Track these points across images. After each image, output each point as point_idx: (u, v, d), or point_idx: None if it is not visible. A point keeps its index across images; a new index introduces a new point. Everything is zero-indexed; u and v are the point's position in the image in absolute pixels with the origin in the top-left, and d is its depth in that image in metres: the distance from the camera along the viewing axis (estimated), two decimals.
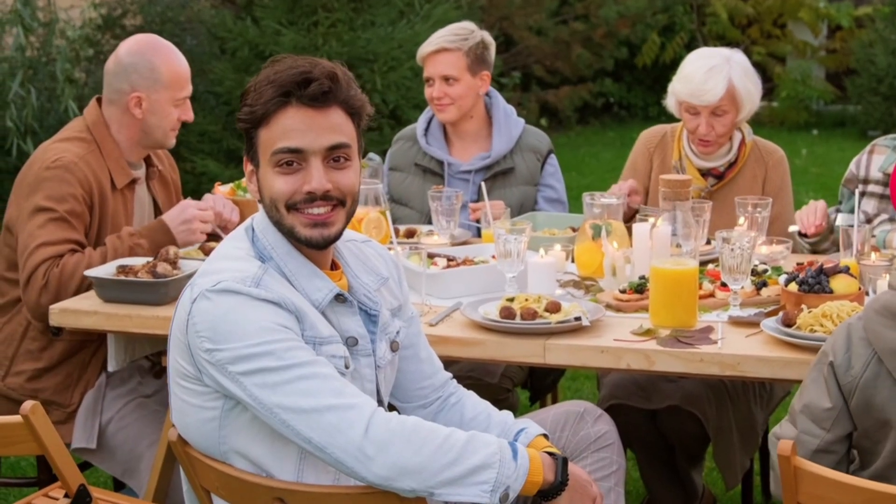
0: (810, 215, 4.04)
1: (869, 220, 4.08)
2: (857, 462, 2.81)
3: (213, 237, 4.02)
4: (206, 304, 2.49)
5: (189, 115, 3.99)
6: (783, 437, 2.72)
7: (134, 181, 3.98)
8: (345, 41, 9.62)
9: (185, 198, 4.10)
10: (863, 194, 4.12)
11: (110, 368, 3.72)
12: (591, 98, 14.17)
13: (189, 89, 3.98)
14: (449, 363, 3.81)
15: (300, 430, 2.43)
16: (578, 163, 11.85)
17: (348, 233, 2.75)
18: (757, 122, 13.57)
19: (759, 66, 13.89)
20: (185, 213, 3.85)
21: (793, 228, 4.10)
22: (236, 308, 2.47)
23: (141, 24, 10.23)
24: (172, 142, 4.02)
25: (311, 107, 2.53)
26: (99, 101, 3.98)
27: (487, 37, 4.61)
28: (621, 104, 14.94)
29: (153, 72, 3.87)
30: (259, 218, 2.65)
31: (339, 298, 2.63)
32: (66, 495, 2.80)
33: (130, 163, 3.96)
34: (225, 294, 2.48)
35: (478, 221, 4.37)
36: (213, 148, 9.38)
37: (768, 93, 14.30)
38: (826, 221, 4.04)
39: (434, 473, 2.42)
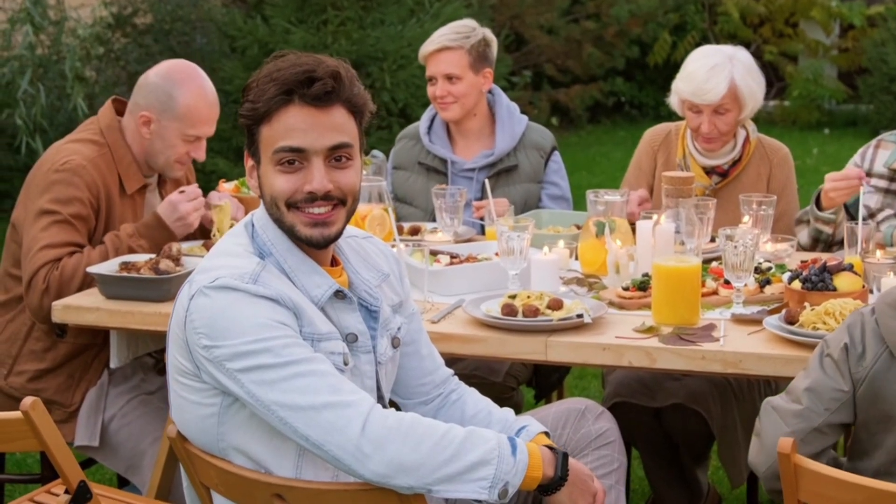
0: (847, 182, 3.99)
1: (872, 215, 4.07)
2: (849, 453, 2.80)
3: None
4: (203, 301, 2.49)
5: (200, 155, 3.95)
6: (784, 410, 2.70)
7: (145, 187, 3.97)
8: (354, 39, 9.63)
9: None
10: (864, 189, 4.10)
11: (112, 365, 3.72)
12: (603, 97, 14.15)
13: (206, 131, 3.92)
14: (453, 361, 3.82)
15: (297, 428, 2.42)
16: (589, 162, 11.83)
17: (349, 229, 2.74)
18: (769, 122, 13.58)
19: (771, 66, 13.91)
20: (177, 211, 3.83)
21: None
22: (234, 304, 2.47)
23: (151, 23, 10.24)
24: (176, 174, 3.99)
25: (313, 106, 2.52)
26: (115, 102, 3.97)
27: (489, 34, 4.59)
28: (632, 103, 14.90)
29: (170, 100, 3.84)
30: (259, 214, 2.65)
31: (339, 295, 2.62)
32: (66, 491, 2.79)
33: (142, 170, 3.95)
34: (222, 290, 2.48)
35: (482, 219, 4.36)
36: (223, 146, 9.40)
37: (780, 92, 14.28)
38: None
39: (432, 470, 2.41)
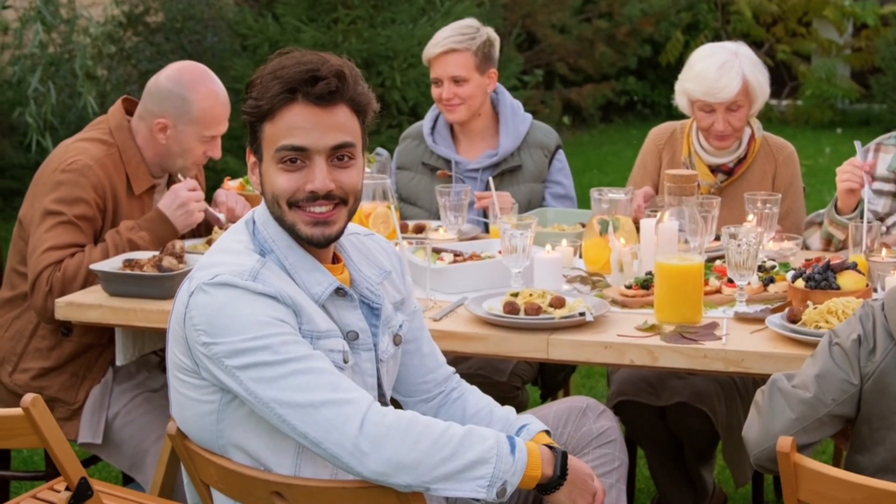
0: (852, 167, 3.96)
1: (881, 219, 4.04)
2: (849, 447, 2.79)
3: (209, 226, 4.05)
4: (203, 298, 2.49)
5: (216, 153, 3.97)
6: (791, 395, 2.68)
7: (153, 187, 3.98)
8: (364, 38, 9.65)
9: (209, 198, 4.09)
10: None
11: (118, 363, 3.72)
12: (615, 96, 14.12)
13: (221, 129, 3.94)
14: (457, 361, 3.82)
15: (296, 425, 2.42)
16: (601, 161, 11.81)
17: (351, 226, 2.75)
18: (781, 121, 13.55)
19: (784, 65, 13.88)
20: (178, 198, 3.85)
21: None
22: (233, 302, 2.47)
23: (163, 21, 10.26)
24: (192, 174, 3.99)
25: (317, 105, 2.52)
26: (125, 102, 3.97)
27: (492, 33, 4.57)
28: (645, 102, 14.87)
29: (185, 104, 3.85)
30: (260, 211, 2.65)
31: (340, 292, 2.62)
32: (67, 488, 2.80)
33: (152, 171, 3.96)
34: (222, 287, 2.48)
35: (485, 214, 4.36)
36: (233, 144, 9.38)
37: (793, 91, 14.24)
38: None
39: (430, 469, 2.41)
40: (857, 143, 4.11)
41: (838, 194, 4.03)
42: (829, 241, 4.11)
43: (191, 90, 3.86)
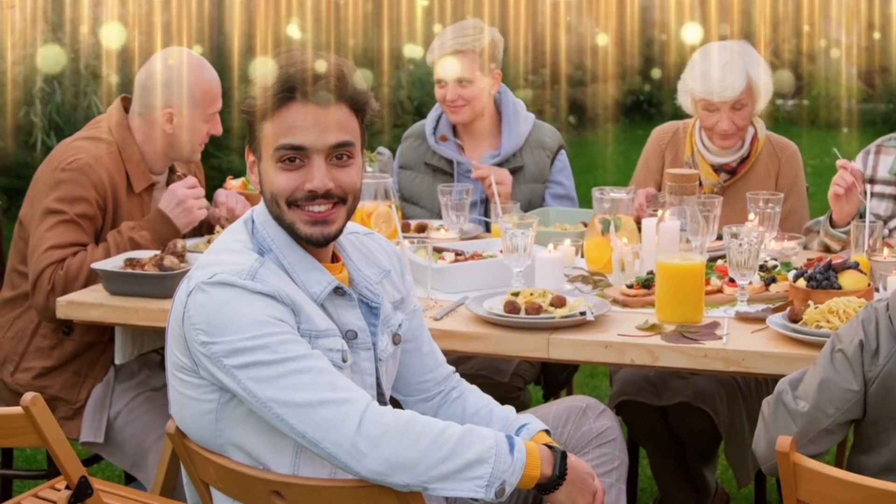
0: (843, 173, 3.96)
1: (883, 222, 4.02)
2: (854, 446, 2.78)
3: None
4: (201, 297, 2.48)
5: (218, 129, 3.99)
6: (793, 410, 2.68)
7: (153, 185, 3.98)
8: (370, 37, 9.65)
9: (210, 197, 4.10)
10: (871, 194, 4.06)
11: (117, 361, 3.73)
12: (621, 96, 14.12)
13: (219, 104, 3.97)
14: (459, 362, 3.81)
15: (294, 425, 2.42)
16: (606, 161, 11.80)
17: (351, 225, 2.74)
18: (787, 121, 13.52)
19: (790, 64, 13.86)
20: (175, 197, 3.86)
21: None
22: (231, 301, 2.47)
23: (168, 21, 10.26)
24: (198, 156, 4.03)
25: (315, 104, 2.52)
26: (123, 100, 3.98)
27: (496, 34, 4.55)
28: (651, 102, 14.87)
29: (185, 88, 3.86)
30: (259, 210, 2.65)
31: (339, 292, 2.61)
32: (67, 487, 2.80)
33: (152, 169, 3.96)
34: (220, 286, 2.48)
35: (487, 214, 4.35)
36: (238, 144, 9.44)
37: (799, 91, 14.23)
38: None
39: (428, 468, 2.40)
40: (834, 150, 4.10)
41: (830, 202, 4.02)
42: (826, 250, 4.10)
43: (187, 73, 3.89)
